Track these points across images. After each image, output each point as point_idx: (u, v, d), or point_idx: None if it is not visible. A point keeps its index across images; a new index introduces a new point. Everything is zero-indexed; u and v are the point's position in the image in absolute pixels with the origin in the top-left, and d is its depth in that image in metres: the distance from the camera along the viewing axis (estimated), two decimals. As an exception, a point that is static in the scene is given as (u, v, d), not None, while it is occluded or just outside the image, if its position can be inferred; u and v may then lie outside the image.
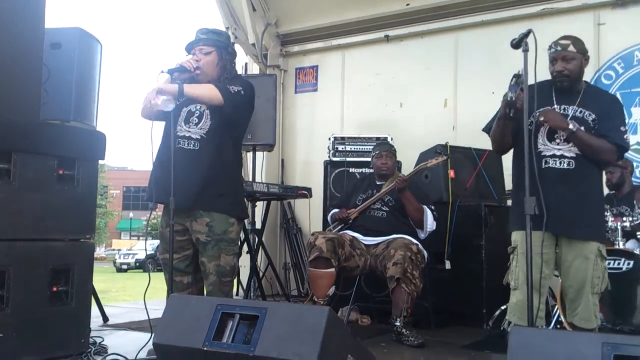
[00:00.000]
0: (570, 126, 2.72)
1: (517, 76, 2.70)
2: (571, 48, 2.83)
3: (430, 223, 3.90)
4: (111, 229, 39.25)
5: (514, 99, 2.68)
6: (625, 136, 2.81)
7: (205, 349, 2.15)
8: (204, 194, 3.04)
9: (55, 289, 2.94)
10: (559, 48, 2.83)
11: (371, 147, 5.00)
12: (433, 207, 3.99)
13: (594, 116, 2.81)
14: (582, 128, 2.76)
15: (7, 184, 2.75)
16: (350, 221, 4.06)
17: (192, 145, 3.08)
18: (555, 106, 2.85)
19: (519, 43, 2.65)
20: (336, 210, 4.24)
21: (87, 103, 3.71)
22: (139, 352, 2.81)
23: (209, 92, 3.02)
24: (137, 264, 23.63)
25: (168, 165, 2.90)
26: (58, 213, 2.97)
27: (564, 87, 2.83)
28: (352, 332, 2.24)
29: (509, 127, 2.85)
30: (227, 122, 3.11)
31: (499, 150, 3.08)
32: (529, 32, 2.62)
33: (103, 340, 3.29)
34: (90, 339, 3.16)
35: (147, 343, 2.77)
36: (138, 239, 37.10)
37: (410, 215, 3.91)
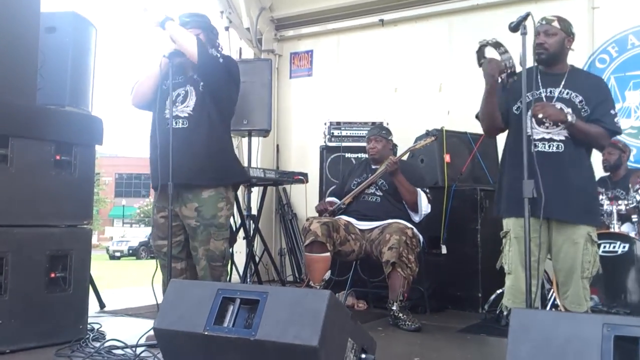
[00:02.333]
0: (569, 118, 2.72)
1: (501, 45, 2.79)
2: (555, 24, 2.87)
3: (424, 206, 3.90)
4: (103, 216, 39.14)
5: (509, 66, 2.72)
6: (616, 119, 2.83)
7: (206, 333, 2.16)
8: (192, 167, 3.03)
9: (53, 275, 2.93)
10: (543, 22, 2.87)
11: (366, 131, 5.01)
12: (427, 190, 3.99)
13: (580, 97, 2.82)
14: (570, 109, 2.78)
15: (4, 170, 2.74)
16: (344, 206, 4.07)
17: (180, 124, 3.06)
18: (541, 90, 2.85)
19: (517, 26, 2.64)
20: (332, 200, 4.25)
21: (82, 88, 3.70)
22: (140, 337, 2.81)
23: (188, 42, 3.01)
24: (130, 252, 23.63)
25: (161, 148, 2.92)
26: (55, 199, 2.96)
27: (541, 60, 2.83)
28: (352, 316, 2.25)
29: (495, 104, 2.85)
30: (213, 93, 3.10)
31: (490, 130, 3.06)
32: (527, 15, 2.61)
33: (101, 327, 3.29)
34: (88, 325, 3.16)
35: (150, 329, 2.77)
36: (131, 226, 37.05)
37: (403, 198, 3.91)
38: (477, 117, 3.11)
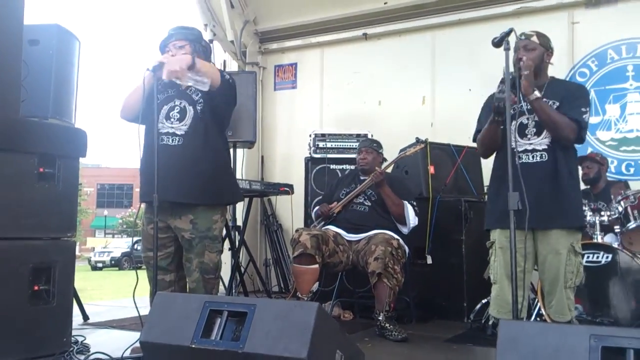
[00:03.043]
0: (536, 93, 2.78)
1: (503, 83, 2.77)
2: (534, 39, 2.95)
3: (412, 218, 3.93)
4: (85, 226, 38.68)
5: (502, 105, 2.74)
6: (584, 116, 2.86)
7: (193, 346, 2.15)
8: (190, 187, 3.03)
9: (36, 288, 2.88)
10: (522, 37, 2.95)
11: (352, 143, 5.06)
12: (415, 203, 4.02)
13: (557, 103, 2.88)
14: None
15: (-14, 182, 2.70)
16: (334, 215, 4.08)
17: (176, 142, 3.07)
18: (522, 103, 2.89)
19: (500, 41, 2.70)
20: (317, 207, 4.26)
21: (65, 100, 3.67)
22: (125, 350, 2.78)
23: (214, 71, 3.08)
24: (113, 262, 23.40)
25: (152, 162, 2.88)
26: (39, 211, 2.91)
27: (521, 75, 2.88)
28: (340, 328, 2.26)
29: (498, 131, 2.90)
30: (213, 110, 3.12)
31: (487, 154, 3.13)
32: (510, 30, 2.67)
33: (85, 339, 3.25)
34: (72, 338, 3.11)
35: (135, 342, 2.74)
36: (113, 237, 36.64)
37: (390, 210, 3.94)
38: (474, 140, 3.16)
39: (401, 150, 4.70)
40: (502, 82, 2.79)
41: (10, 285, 2.77)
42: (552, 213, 2.79)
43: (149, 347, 2.25)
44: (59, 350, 2.90)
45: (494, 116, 2.85)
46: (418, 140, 4.28)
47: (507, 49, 2.66)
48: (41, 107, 3.43)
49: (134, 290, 2.88)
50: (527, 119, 2.92)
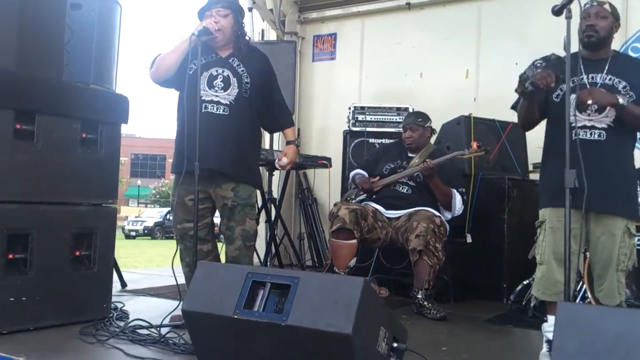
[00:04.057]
0: (621, 100, 2.61)
1: (547, 59, 2.63)
2: (607, 7, 2.76)
3: (458, 208, 3.82)
4: (119, 195, 39.38)
5: (528, 76, 2.60)
6: None
7: (235, 317, 2.11)
8: (234, 160, 3.01)
9: (78, 253, 2.92)
10: (594, 3, 2.75)
11: (392, 117, 4.94)
12: (464, 190, 3.89)
13: (624, 83, 2.71)
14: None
15: (31, 146, 2.70)
16: (375, 192, 3.99)
17: (221, 110, 3.02)
18: (583, 76, 2.74)
19: (561, 9, 2.51)
20: (360, 173, 4.14)
21: (106, 66, 3.65)
22: (164, 318, 2.78)
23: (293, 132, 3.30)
24: (145, 231, 23.79)
25: (194, 130, 2.83)
26: (81, 177, 2.92)
27: (591, 43, 2.72)
28: (385, 305, 2.20)
29: (532, 103, 2.76)
30: (258, 91, 3.12)
31: (526, 126, 2.97)
32: (573, -4, 2.51)
33: (124, 306, 3.28)
34: (112, 304, 3.14)
35: (174, 310, 2.74)
36: (146, 206, 37.27)
37: (437, 199, 3.83)
38: (512, 108, 3.02)
39: (444, 125, 4.59)
40: (546, 59, 2.62)
41: (54, 250, 2.80)
42: (608, 196, 2.65)
43: (191, 315, 2.22)
44: (100, 316, 2.93)
45: (518, 87, 2.68)
46: (480, 146, 3.86)
47: (568, 17, 2.50)
48: (83, 72, 3.41)
49: (173, 259, 2.88)
50: None
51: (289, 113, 3.24)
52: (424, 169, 3.74)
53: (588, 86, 2.72)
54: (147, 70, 3.10)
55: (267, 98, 3.15)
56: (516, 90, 2.72)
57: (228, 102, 3.02)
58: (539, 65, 2.65)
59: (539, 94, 2.71)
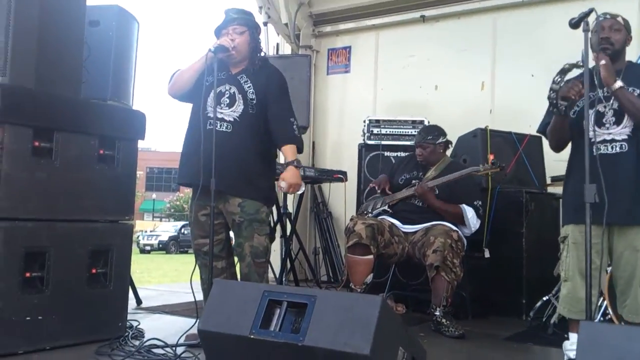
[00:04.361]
0: (618, 82, 2.62)
1: (562, 72, 2.63)
2: (620, 19, 2.78)
3: (474, 223, 3.74)
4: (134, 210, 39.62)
5: (555, 95, 2.62)
6: None
7: (252, 336, 2.09)
8: (237, 178, 2.99)
9: (94, 270, 2.91)
10: (608, 16, 2.76)
11: (407, 130, 4.91)
12: (480, 203, 3.82)
13: (639, 91, 2.69)
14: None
15: (49, 163, 2.71)
16: (390, 210, 3.95)
17: (224, 128, 3.01)
18: (597, 90, 2.72)
19: (578, 22, 2.50)
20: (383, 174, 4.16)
21: (124, 82, 3.66)
22: (180, 337, 2.76)
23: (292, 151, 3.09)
24: (160, 246, 23.86)
25: (204, 149, 2.83)
26: (98, 193, 2.92)
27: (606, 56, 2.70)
28: (403, 324, 2.16)
29: (565, 121, 2.74)
30: (264, 107, 3.07)
31: (559, 147, 2.95)
32: (590, 10, 2.48)
33: (139, 324, 3.26)
34: (127, 323, 3.13)
35: (190, 328, 2.72)
36: (160, 220, 37.45)
37: (447, 220, 3.76)
38: (538, 132, 3.00)
39: (460, 138, 4.56)
40: (562, 72, 2.63)
41: (70, 268, 2.79)
42: (633, 208, 2.60)
43: (207, 335, 2.20)
44: (115, 335, 2.91)
45: (549, 107, 2.70)
46: (495, 164, 3.81)
47: (586, 30, 2.47)
48: (101, 88, 3.43)
49: (191, 276, 2.86)
50: (605, 107, 2.73)
51: (288, 129, 3.05)
52: (416, 190, 3.76)
53: (603, 100, 2.70)
54: (165, 84, 3.15)
55: (266, 112, 3.10)
56: (554, 113, 2.73)
57: (232, 119, 3.03)
58: (558, 80, 2.64)
59: (573, 107, 2.74)
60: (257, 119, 3.06)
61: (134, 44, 3.67)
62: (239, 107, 3.04)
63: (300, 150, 3.10)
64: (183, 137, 3.16)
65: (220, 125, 3.01)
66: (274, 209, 4.38)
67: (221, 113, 3.03)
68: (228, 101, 3.05)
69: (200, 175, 2.82)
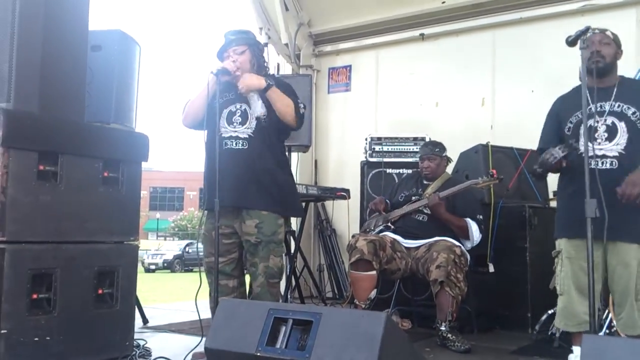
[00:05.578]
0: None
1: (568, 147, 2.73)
2: (609, 33, 2.83)
3: (476, 237, 3.80)
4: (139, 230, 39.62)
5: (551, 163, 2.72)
6: None
7: (258, 354, 2.11)
8: (255, 192, 3.02)
9: (100, 291, 2.92)
10: (597, 31, 2.81)
11: (409, 147, 4.95)
12: (481, 217, 3.86)
13: (633, 109, 2.73)
14: (623, 123, 2.71)
15: (54, 186, 2.74)
16: (392, 226, 3.98)
17: (240, 145, 3.06)
18: (591, 105, 2.74)
19: (575, 40, 2.55)
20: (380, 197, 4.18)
21: (126, 105, 3.70)
22: (186, 356, 2.77)
23: (288, 109, 3.07)
24: (165, 265, 23.86)
25: (221, 170, 2.88)
26: (103, 215, 2.95)
27: (598, 70, 2.73)
28: (408, 340, 2.17)
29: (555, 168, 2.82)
30: (276, 120, 3.10)
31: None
32: (587, 29, 2.53)
33: (146, 343, 3.27)
34: (134, 342, 3.14)
35: (195, 347, 2.73)
36: (165, 240, 37.43)
37: (454, 231, 3.82)
38: (537, 151, 3.06)
39: (461, 154, 4.59)
40: (564, 148, 2.71)
41: (77, 288, 2.81)
42: (622, 224, 2.60)
43: (213, 353, 2.22)
44: (122, 354, 2.93)
45: (538, 168, 2.82)
46: (492, 176, 3.85)
47: (583, 48, 2.52)
48: (104, 112, 3.47)
49: (196, 294, 2.88)
50: (597, 121, 2.76)
51: (293, 99, 3.11)
52: (431, 201, 3.77)
53: (596, 115, 2.73)
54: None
55: (277, 119, 3.13)
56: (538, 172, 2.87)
57: (247, 136, 3.07)
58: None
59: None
60: (272, 130, 3.11)
61: (136, 67, 3.72)
62: (252, 122, 3.09)
63: (296, 117, 3.10)
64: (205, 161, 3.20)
65: (236, 144, 3.06)
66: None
67: (235, 131, 3.08)
68: (240, 119, 3.11)
69: (220, 195, 2.85)
